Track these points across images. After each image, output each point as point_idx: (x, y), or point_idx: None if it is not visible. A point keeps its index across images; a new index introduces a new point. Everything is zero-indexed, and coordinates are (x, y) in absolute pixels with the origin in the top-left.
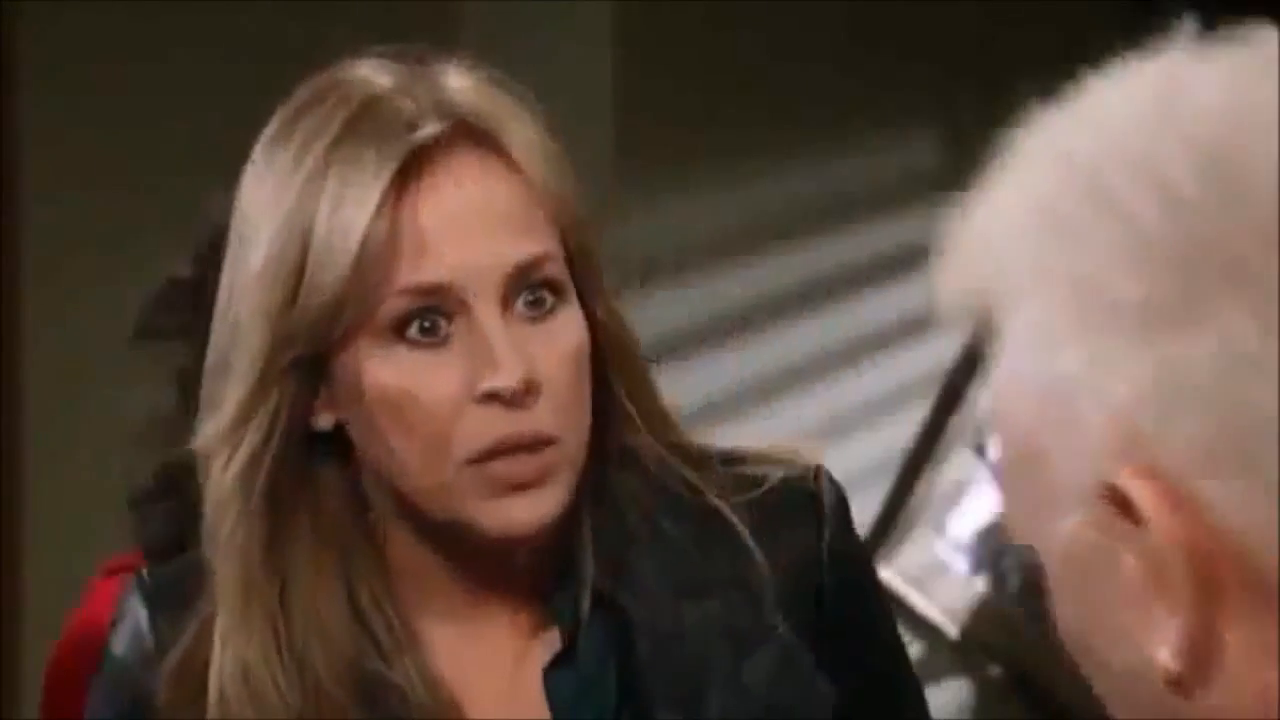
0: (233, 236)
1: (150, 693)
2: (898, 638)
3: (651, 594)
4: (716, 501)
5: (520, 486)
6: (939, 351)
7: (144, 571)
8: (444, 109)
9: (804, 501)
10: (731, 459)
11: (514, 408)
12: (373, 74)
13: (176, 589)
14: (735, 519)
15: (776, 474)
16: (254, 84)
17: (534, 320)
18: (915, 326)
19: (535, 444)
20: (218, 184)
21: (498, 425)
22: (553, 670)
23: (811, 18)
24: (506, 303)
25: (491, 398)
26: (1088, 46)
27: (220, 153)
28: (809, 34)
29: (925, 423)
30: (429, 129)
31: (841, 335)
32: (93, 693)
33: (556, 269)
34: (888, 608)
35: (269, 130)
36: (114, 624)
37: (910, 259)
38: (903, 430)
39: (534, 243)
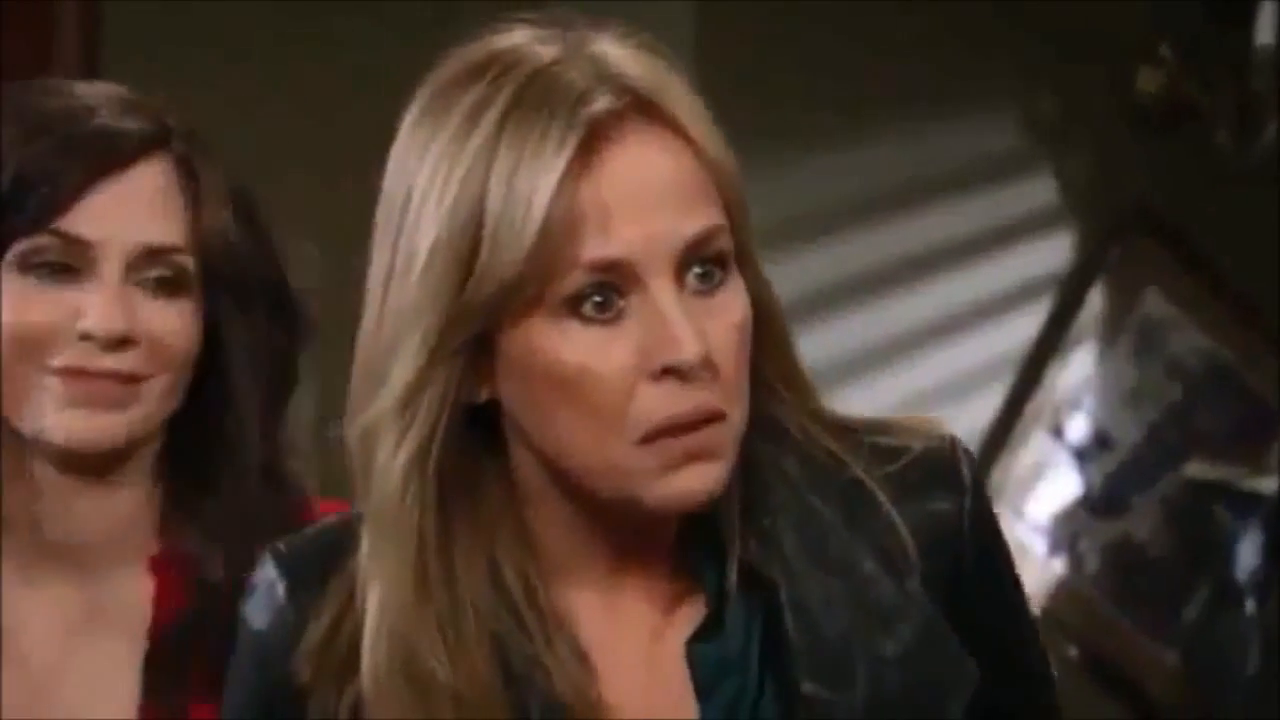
0: (386, 214)
1: (291, 667)
2: (1029, 609)
3: (796, 566)
4: (860, 473)
5: (687, 461)
6: (1016, 334)
7: (280, 544)
8: (614, 81)
9: (945, 472)
10: (870, 429)
11: (689, 384)
12: (532, 45)
13: (314, 562)
14: (878, 491)
15: (916, 445)
16: (324, 79)
17: (704, 294)
18: (993, 308)
19: (707, 420)
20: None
21: (672, 402)
22: (696, 642)
23: (890, 7)
24: (679, 277)
25: (667, 374)
26: (1160, 35)
27: (292, 148)
28: (887, 21)
29: (1003, 405)
30: (603, 102)
31: (918, 318)
32: (233, 666)
33: (725, 241)
34: (1020, 581)
35: (419, 106)
36: (249, 596)
37: (986, 242)
38: (981, 413)
39: (706, 216)
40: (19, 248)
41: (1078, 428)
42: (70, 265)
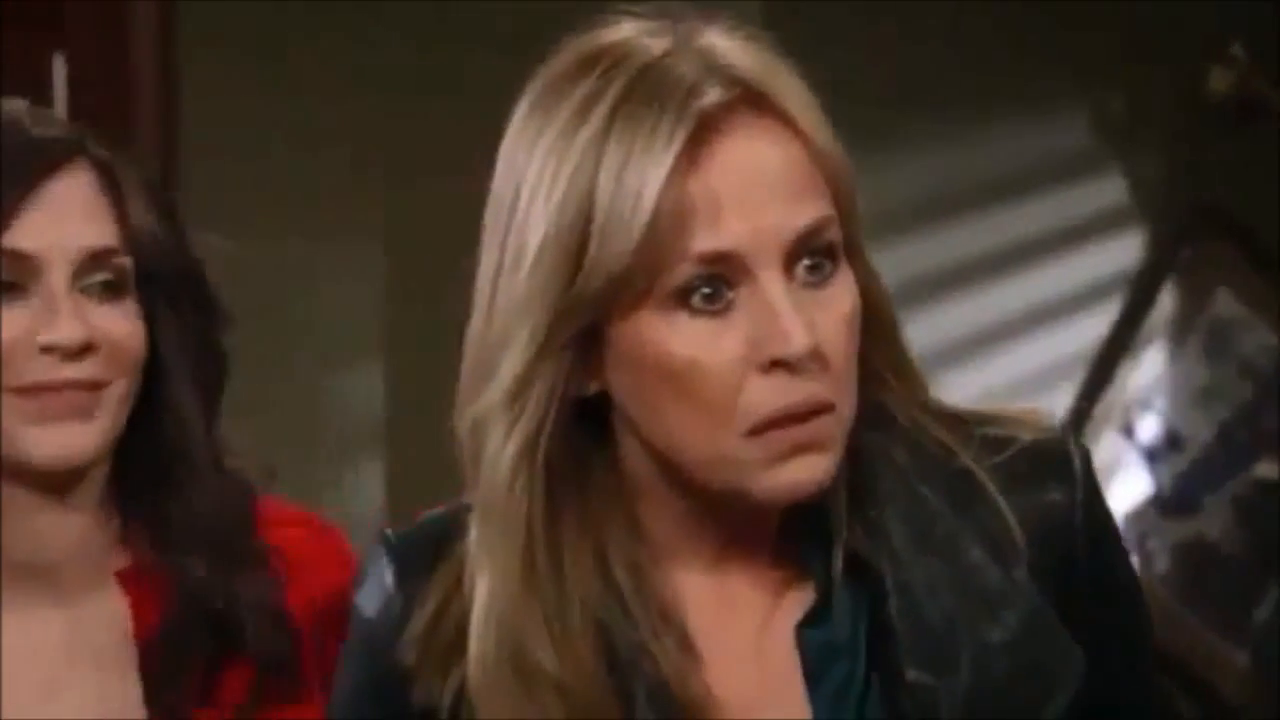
0: (496, 209)
1: (398, 653)
2: (1144, 605)
3: (902, 554)
4: (969, 463)
5: (796, 452)
6: (1086, 333)
7: (389, 532)
8: (724, 74)
9: (1056, 464)
10: (979, 420)
11: (798, 376)
12: (641, 38)
13: (422, 550)
14: (987, 481)
15: (1025, 436)
16: (412, 77)
17: (813, 286)
18: (1063, 308)
19: (816, 411)
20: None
21: (781, 394)
22: (805, 627)
23: (960, 7)
24: (789, 269)
25: (777, 366)
26: (1231, 34)
27: (377, 149)
28: (956, 21)
29: (1073, 405)
30: (714, 95)
31: (989, 317)
32: (345, 653)
33: (835, 233)
34: (1135, 574)
35: (528, 101)
36: (360, 584)
37: (1056, 242)
38: (1053, 410)
39: (816, 207)
40: None
41: (1148, 427)
42: (15, 282)
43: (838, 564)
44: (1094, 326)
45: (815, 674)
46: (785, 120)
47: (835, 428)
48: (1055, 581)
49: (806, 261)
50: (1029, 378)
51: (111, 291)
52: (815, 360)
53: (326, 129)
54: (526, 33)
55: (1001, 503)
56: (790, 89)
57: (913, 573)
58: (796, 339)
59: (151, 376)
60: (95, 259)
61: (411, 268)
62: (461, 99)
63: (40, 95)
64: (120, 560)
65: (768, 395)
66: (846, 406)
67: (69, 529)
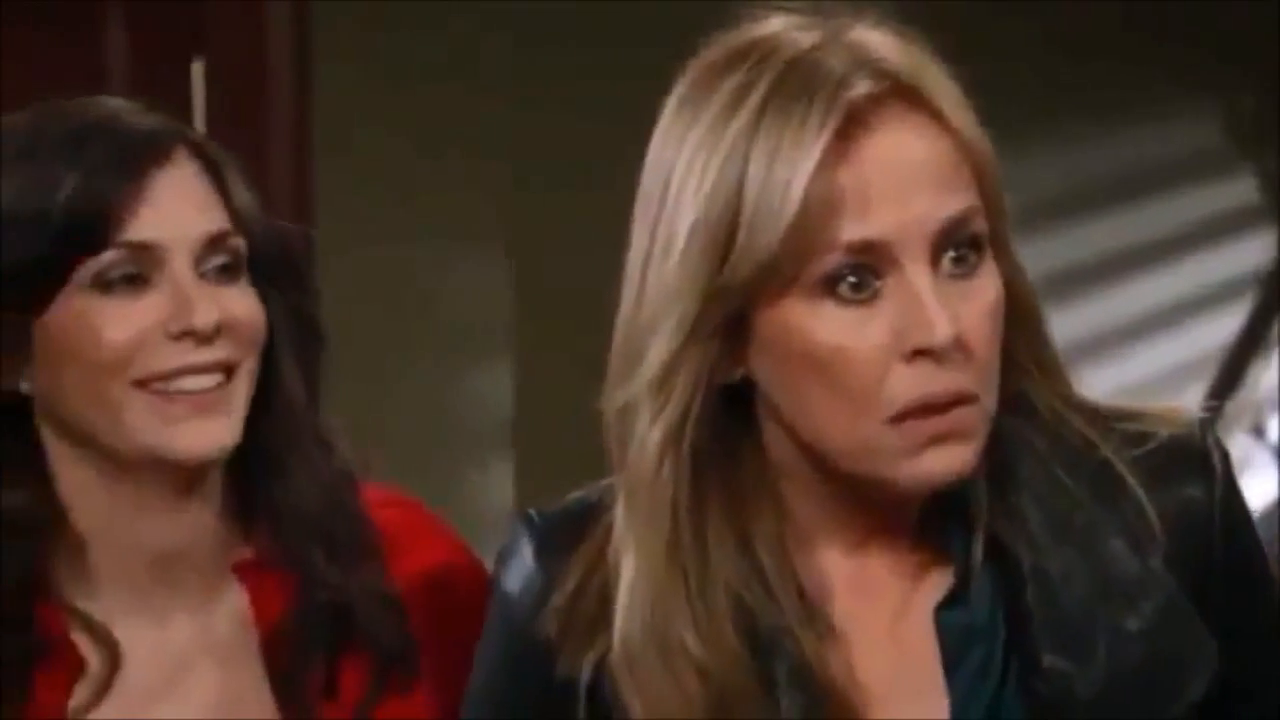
0: (646, 198)
1: (538, 627)
2: (1277, 599)
3: (1040, 540)
4: (1110, 455)
5: (935, 442)
6: (1218, 332)
7: (532, 511)
8: (873, 66)
9: (1195, 459)
10: (1119, 415)
11: (942, 366)
12: (791, 32)
13: (563, 528)
14: (1127, 473)
15: (1164, 431)
16: (540, 79)
17: (958, 277)
18: (1194, 307)
19: (958, 402)
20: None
21: (923, 383)
22: (943, 610)
23: (1089, 7)
24: (934, 259)
25: (921, 355)
26: None
27: (506, 150)
28: (1086, 20)
29: (1204, 404)
30: (863, 87)
31: (1119, 315)
32: (485, 631)
33: (980, 225)
34: (1269, 569)
35: (678, 95)
36: (502, 561)
37: (1186, 241)
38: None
39: (963, 198)
40: (88, 269)
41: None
42: (141, 273)
43: (978, 549)
44: (1225, 326)
45: (953, 657)
46: (933, 114)
47: (977, 418)
48: (1191, 574)
49: (952, 253)
50: (1159, 376)
51: (228, 273)
52: (958, 350)
53: (456, 131)
54: (654, 36)
55: (1141, 495)
56: (938, 83)
57: (1050, 559)
58: (940, 328)
59: (260, 359)
60: (213, 243)
61: (539, 267)
62: (588, 100)
63: (179, 99)
64: (238, 553)
65: (910, 384)
66: (989, 398)
67: (195, 523)
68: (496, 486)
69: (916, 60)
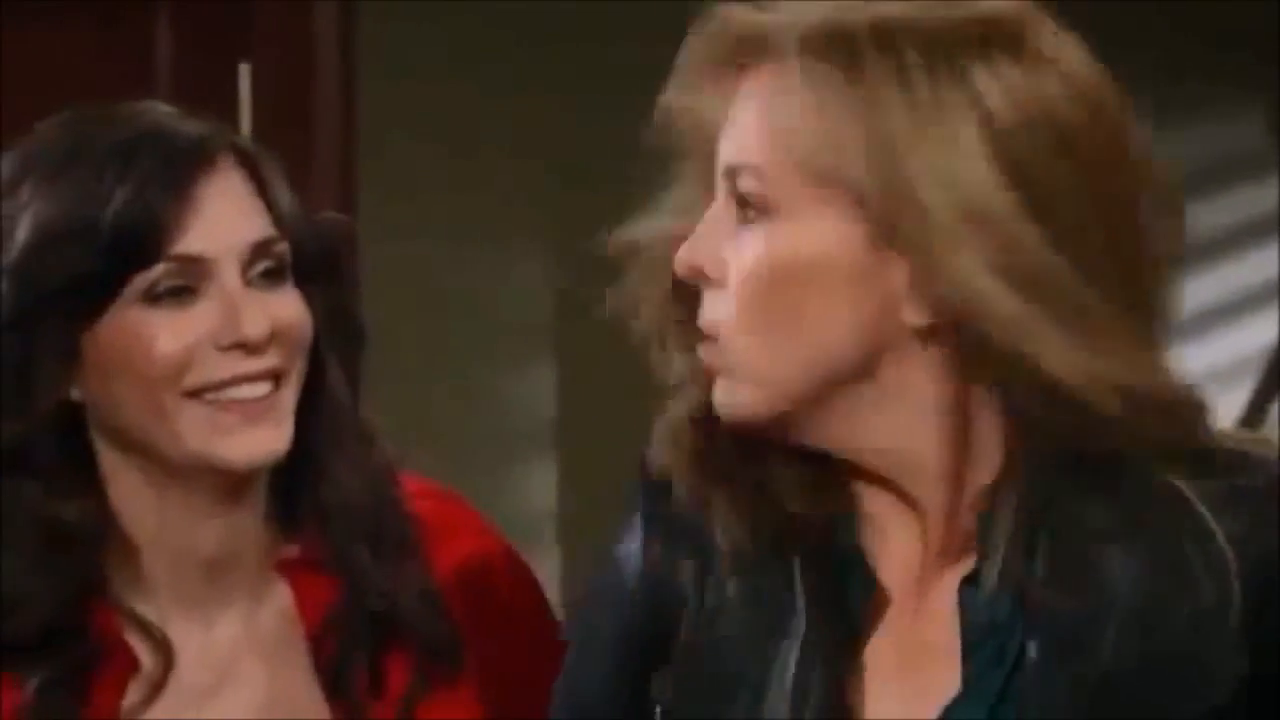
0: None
1: (658, 603)
2: None
3: (1079, 528)
4: (1174, 476)
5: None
6: (1259, 336)
7: (645, 482)
8: None
9: (1269, 493)
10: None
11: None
12: None
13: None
14: (1190, 491)
15: (1254, 458)
16: (584, 78)
17: None
18: (1234, 309)
19: None
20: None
21: None
22: (967, 584)
23: (1138, 7)
24: None
25: None
26: None
27: (550, 151)
28: (1134, 20)
29: (1245, 408)
30: None
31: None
32: (594, 596)
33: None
34: None
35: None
36: (624, 529)
37: (1227, 242)
38: (1225, 412)
39: None
40: (138, 283)
41: None
42: (186, 285)
43: (1003, 530)
44: (1266, 328)
45: (973, 634)
46: None
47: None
48: (1266, 618)
49: None
50: (1199, 380)
51: (273, 278)
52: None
53: (500, 132)
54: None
55: (1211, 522)
56: None
57: (1087, 548)
58: None
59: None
60: (259, 250)
61: (583, 269)
62: (634, 100)
63: (226, 102)
64: (282, 551)
65: None
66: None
67: (243, 526)
68: (539, 485)
69: None
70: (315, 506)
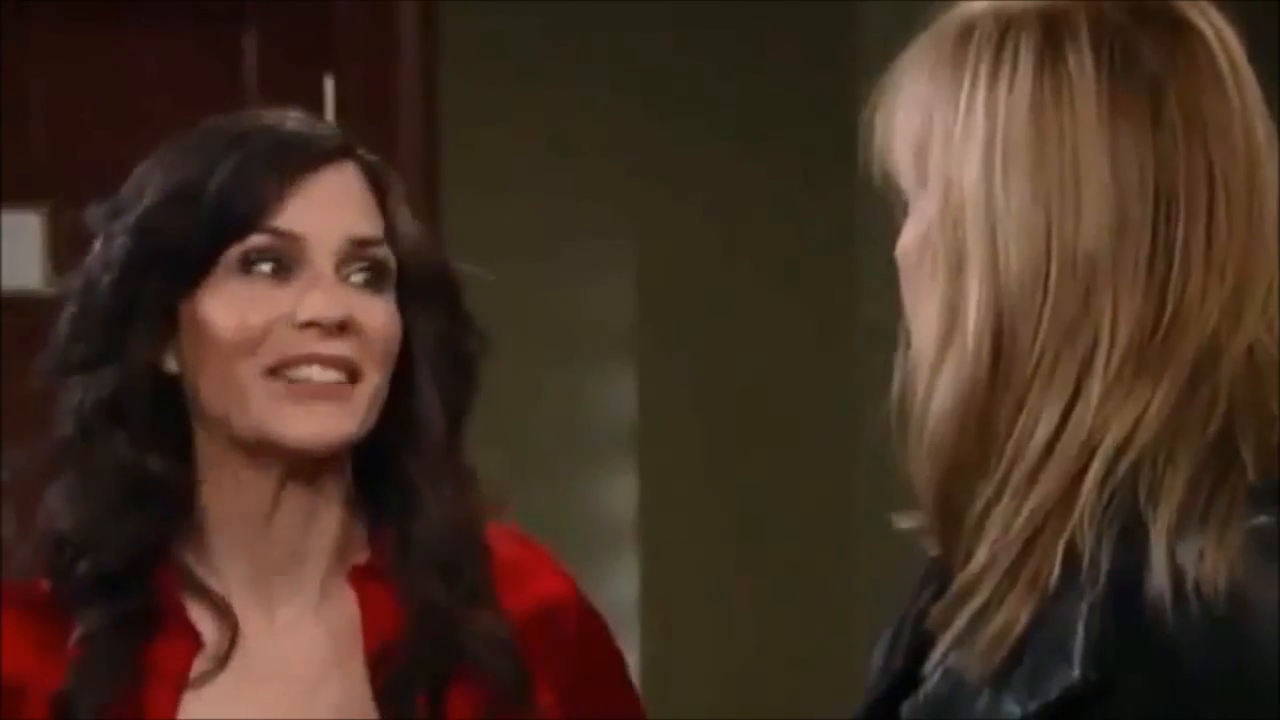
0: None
1: None
2: None
3: None
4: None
5: None
6: None
7: None
8: None
9: None
10: None
11: None
12: None
13: None
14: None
15: None
16: (665, 84)
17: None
18: None
19: None
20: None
21: None
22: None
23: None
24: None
25: None
26: None
27: (631, 158)
28: None
29: None
30: None
31: None
32: None
33: None
34: None
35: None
36: None
37: None
38: None
39: None
40: (236, 251)
41: None
42: (284, 262)
43: None
44: None
45: None
46: None
47: None
48: None
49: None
50: None
51: (372, 284)
52: None
53: (581, 137)
54: (783, 37)
55: None
56: None
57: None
58: None
59: (402, 384)
60: (359, 247)
61: (665, 275)
62: (715, 106)
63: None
64: (357, 557)
65: None
66: None
67: (318, 524)
68: (621, 491)
69: None
70: (402, 540)
